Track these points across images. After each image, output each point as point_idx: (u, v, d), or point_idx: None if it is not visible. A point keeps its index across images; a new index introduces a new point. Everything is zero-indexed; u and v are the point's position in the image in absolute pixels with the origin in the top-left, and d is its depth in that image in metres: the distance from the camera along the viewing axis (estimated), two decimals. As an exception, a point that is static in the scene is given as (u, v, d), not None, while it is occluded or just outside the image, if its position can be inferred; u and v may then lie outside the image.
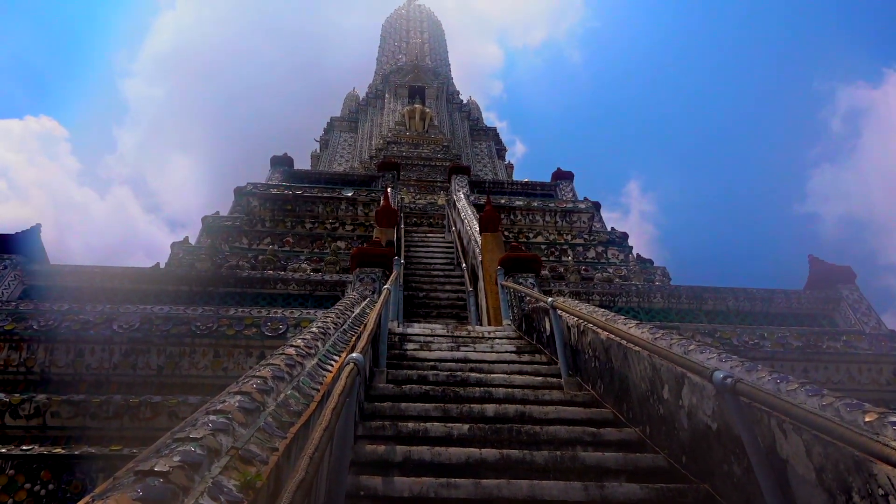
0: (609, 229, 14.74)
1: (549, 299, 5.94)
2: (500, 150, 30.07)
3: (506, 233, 13.52)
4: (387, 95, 28.93)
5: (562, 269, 11.54)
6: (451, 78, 33.92)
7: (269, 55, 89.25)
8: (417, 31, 35.65)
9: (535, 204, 14.53)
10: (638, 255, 13.51)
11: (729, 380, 2.86)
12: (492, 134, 30.02)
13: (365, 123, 28.60)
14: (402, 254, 11.77)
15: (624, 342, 4.38)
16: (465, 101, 32.54)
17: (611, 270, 11.95)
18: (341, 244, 12.79)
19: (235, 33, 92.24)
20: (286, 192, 14.21)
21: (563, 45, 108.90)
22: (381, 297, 5.83)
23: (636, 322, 4.61)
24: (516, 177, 30.52)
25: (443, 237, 14.63)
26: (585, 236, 13.92)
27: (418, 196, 19.66)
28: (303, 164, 30.36)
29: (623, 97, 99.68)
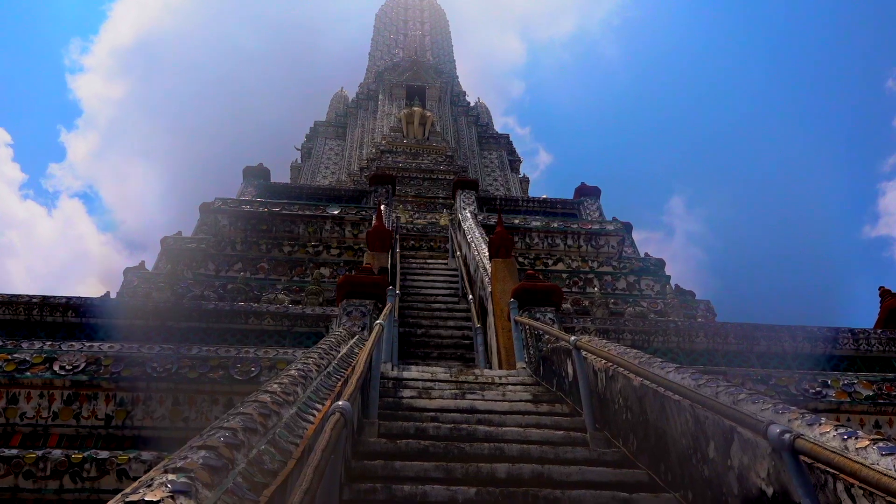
0: (642, 255, 14.75)
1: (572, 338, 5.93)
2: (514, 162, 30.29)
3: (520, 259, 13.55)
4: (380, 96, 29.25)
5: (587, 303, 11.54)
6: (457, 76, 34.29)
7: (246, 48, 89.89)
8: (417, 22, 36.11)
9: (555, 225, 14.59)
10: (677, 285, 13.51)
11: (787, 435, 2.85)
12: (504, 142, 30.27)
13: (355, 129, 28.86)
14: (398, 283, 11.79)
15: (661, 390, 4.37)
16: (472, 104, 32.87)
17: (645, 304, 11.95)
18: (325, 271, 12.82)
19: (207, 22, 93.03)
20: (261, 209, 14.30)
21: (596, 38, 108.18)
22: (373, 334, 5.83)
23: (675, 366, 4.60)
24: (533, 192, 30.69)
25: (445, 263, 14.66)
26: (614, 263, 13.94)
27: (417, 215, 19.76)
28: (281, 176, 30.51)
29: (666, 98, 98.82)
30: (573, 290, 12.93)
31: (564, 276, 13.40)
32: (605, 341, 6.39)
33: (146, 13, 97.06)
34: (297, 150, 31.65)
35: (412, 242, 16.48)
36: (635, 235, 16.22)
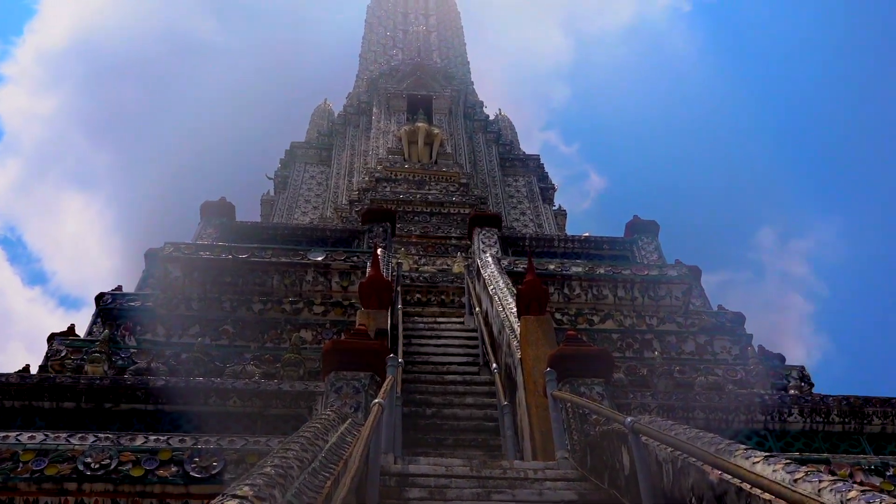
0: (715, 308, 14.67)
1: (628, 419, 5.90)
2: (547, 190, 30.44)
3: (557, 315, 13.51)
4: (374, 109, 29.54)
5: (645, 371, 11.46)
6: (472, 83, 34.62)
7: (208, 53, 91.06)
8: (420, 15, 36.62)
9: (602, 271, 14.57)
10: (760, 347, 13.41)
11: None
12: (533, 165, 30.45)
13: (342, 151, 29.13)
14: (401, 349, 11.76)
15: (747, 486, 4.32)
16: (491, 117, 33.11)
17: (720, 372, 11.85)
18: (307, 335, 12.80)
19: (161, 13, 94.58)
20: (224, 255, 14.36)
21: (662, 28, 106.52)
22: (370, 417, 5.82)
23: (764, 454, 4.56)
24: (577, 226, 30.72)
25: (461, 322, 14.62)
26: (679, 319, 13.87)
27: (424, 260, 19.83)
28: (249, 212, 30.67)
29: (753, 102, 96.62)
30: (627, 354, 12.82)
31: (615, 336, 13.31)
32: (670, 422, 6.34)
33: (85, 5, 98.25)
34: (270, 179, 31.88)
35: (418, 296, 16.49)
36: (707, 280, 16.19)
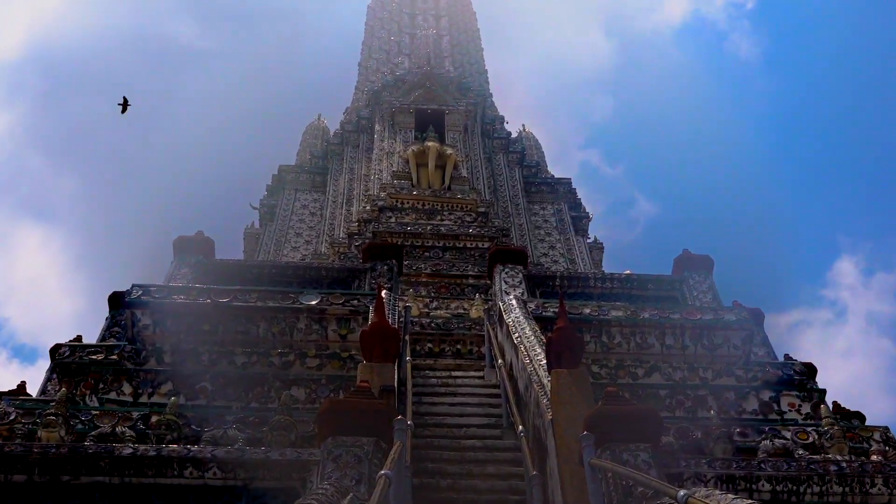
0: (781, 358, 14.53)
1: (681, 492, 5.82)
2: (580, 220, 30.44)
3: (594, 368, 13.44)
4: (377, 126, 29.65)
5: (699, 434, 11.35)
6: (490, 94, 34.75)
7: (186, 61, 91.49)
8: (430, 16, 36.88)
9: (647, 316, 14.49)
10: (835, 404, 13.28)
11: None
12: (563, 190, 30.51)
13: (339, 176, 29.23)
14: (410, 409, 11.67)
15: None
16: (513, 134, 33.19)
17: (788, 435, 11.74)
18: (300, 393, 12.76)
19: (131, 27, 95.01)
20: (201, 299, 14.37)
21: (721, 27, 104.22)
22: (376, 492, 5.77)
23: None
24: (615, 264, 30.65)
25: (481, 377, 14.54)
26: (738, 372, 13.77)
27: (436, 303, 19.79)
28: (231, 248, 30.78)
29: (830, 116, 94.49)
30: (677, 414, 12.71)
31: (663, 393, 13.21)
32: (730, 496, 6.26)
33: (42, 9, 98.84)
34: (255, 208, 31.98)
35: (429, 346, 16.43)
36: (776, 321, 16.07)
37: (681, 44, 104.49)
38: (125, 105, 25.92)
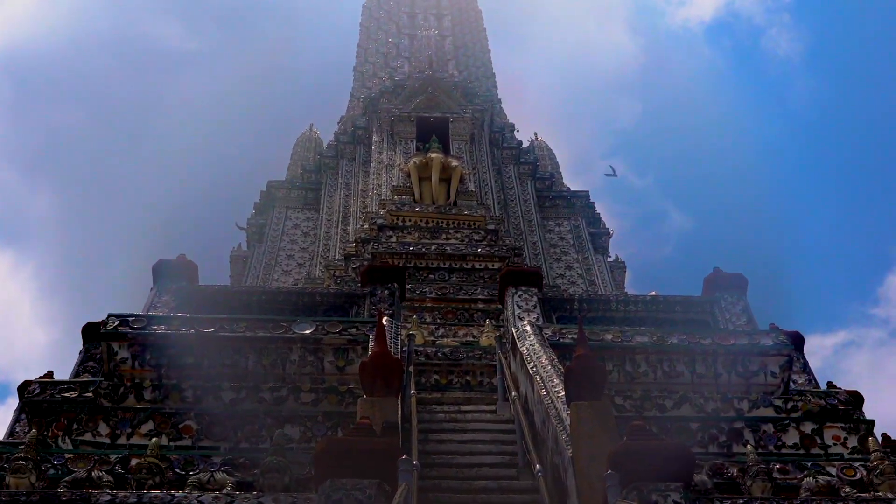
0: (824, 387, 14.50)
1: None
2: (599, 236, 30.46)
3: (618, 399, 13.43)
4: (375, 137, 29.69)
5: (735, 471, 11.33)
6: (499, 100, 34.83)
7: (169, 66, 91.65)
8: (431, 15, 37.00)
9: (675, 341, 14.45)
10: (885, 436, 13.24)
11: None
12: (580, 204, 30.54)
13: (334, 192, 29.28)
14: (415, 448, 11.63)
15: None
16: (524, 144, 33.22)
17: (833, 471, 11.71)
18: (293, 431, 12.75)
19: (109, 29, 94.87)
20: (184, 329, 14.34)
21: (757, 24, 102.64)
22: (379, 540, 5.76)
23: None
24: (645, 283, 30.55)
25: (492, 411, 14.49)
26: (778, 402, 13.74)
27: (442, 330, 19.75)
28: (216, 272, 30.72)
29: (885, 117, 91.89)
30: (710, 449, 12.69)
31: (694, 426, 13.18)
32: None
33: (11, 11, 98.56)
34: (241, 228, 32.05)
35: (436, 377, 16.38)
36: (822, 343, 16.04)
37: (713, 41, 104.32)
38: None
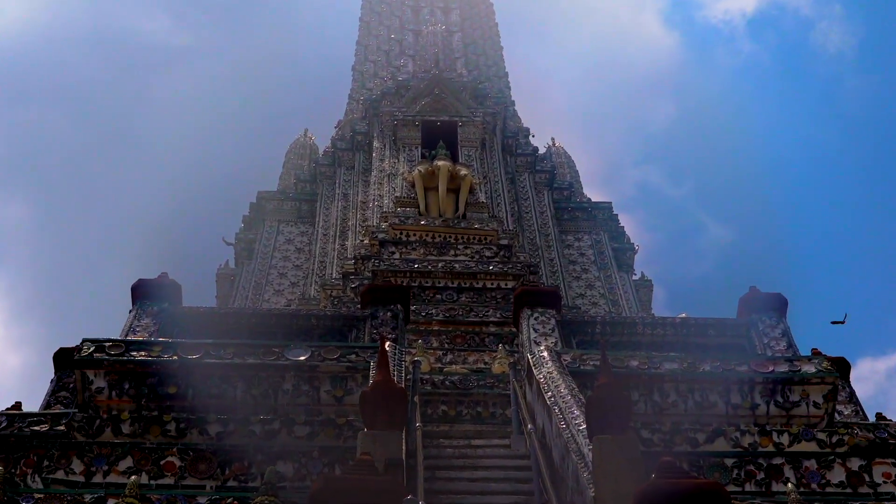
0: (873, 419, 14.48)
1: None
2: (623, 252, 30.45)
3: (645, 433, 13.44)
4: (376, 143, 29.71)
5: (774, 512, 11.36)
6: (513, 102, 34.78)
7: (154, 64, 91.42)
8: (437, 9, 37.09)
9: (708, 368, 14.45)
10: (942, 475, 13.26)
11: None
12: (602, 216, 30.54)
13: (331, 203, 29.31)
14: (421, 487, 11.67)
15: None
16: (540, 150, 33.22)
17: (884, 512, 11.74)
18: (287, 468, 12.79)
19: (89, 23, 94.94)
20: (166, 356, 14.38)
21: (805, 16, 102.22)
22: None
23: None
24: (670, 306, 30.55)
25: (506, 445, 14.51)
26: (821, 436, 13.75)
27: (450, 356, 19.77)
28: (201, 293, 30.86)
29: None
30: (747, 488, 12.70)
31: (729, 462, 13.20)
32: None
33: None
34: (229, 244, 32.06)
35: (443, 408, 16.42)
36: (873, 367, 16.05)
37: (756, 35, 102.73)
38: None
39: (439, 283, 22.92)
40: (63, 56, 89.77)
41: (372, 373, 13.13)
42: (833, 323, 25.83)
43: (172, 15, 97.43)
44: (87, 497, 11.64)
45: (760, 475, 13.07)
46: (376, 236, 24.96)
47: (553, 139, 36.51)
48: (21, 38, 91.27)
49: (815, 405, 14.27)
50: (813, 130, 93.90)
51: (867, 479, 13.07)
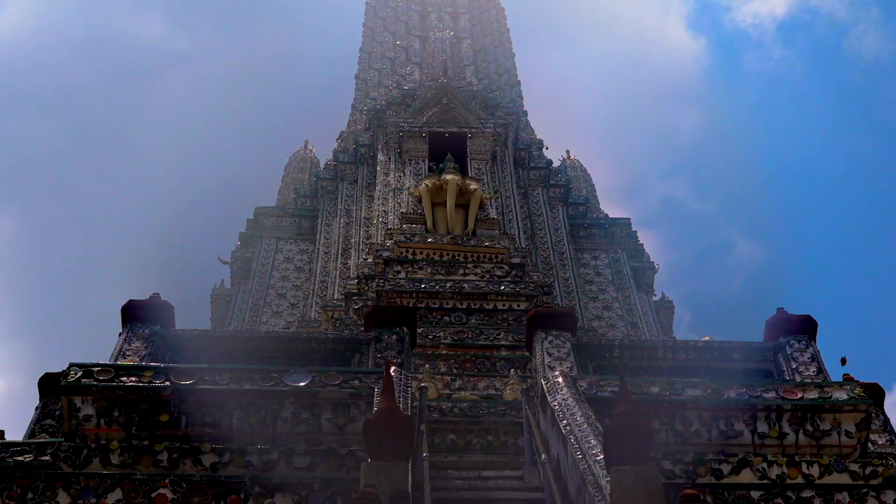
0: (910, 449, 14.44)
1: None
2: (643, 271, 30.42)
3: (667, 463, 13.36)
4: (380, 156, 29.72)
5: (804, 549, 11.29)
6: (525, 112, 34.81)
7: (148, 71, 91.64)
8: (445, 14, 37.20)
9: (733, 395, 14.41)
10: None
11: None
12: (620, 234, 30.54)
13: (333, 220, 29.33)
14: (427, 521, 11.69)
15: None
16: (554, 163, 33.22)
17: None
18: (285, 501, 12.76)
19: (81, 28, 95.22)
20: (158, 381, 14.37)
21: (839, 20, 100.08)
22: None
23: None
24: (695, 328, 30.55)
25: (519, 477, 14.50)
26: (854, 467, 13.67)
27: (459, 382, 19.73)
28: (195, 315, 30.85)
29: None
30: (776, 525, 12.66)
31: (756, 495, 13.12)
32: None
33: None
34: (224, 263, 32.06)
35: (452, 437, 16.38)
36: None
37: (787, 41, 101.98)
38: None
39: (447, 304, 22.83)
40: (51, 62, 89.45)
41: (376, 399, 13.11)
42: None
43: (167, 19, 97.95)
44: (74, 532, 11.62)
45: (790, 511, 13.00)
46: (381, 255, 24.88)
47: (568, 152, 36.60)
48: (7, 44, 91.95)
49: (848, 434, 14.22)
50: (848, 142, 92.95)
51: (903, 515, 13.00)
